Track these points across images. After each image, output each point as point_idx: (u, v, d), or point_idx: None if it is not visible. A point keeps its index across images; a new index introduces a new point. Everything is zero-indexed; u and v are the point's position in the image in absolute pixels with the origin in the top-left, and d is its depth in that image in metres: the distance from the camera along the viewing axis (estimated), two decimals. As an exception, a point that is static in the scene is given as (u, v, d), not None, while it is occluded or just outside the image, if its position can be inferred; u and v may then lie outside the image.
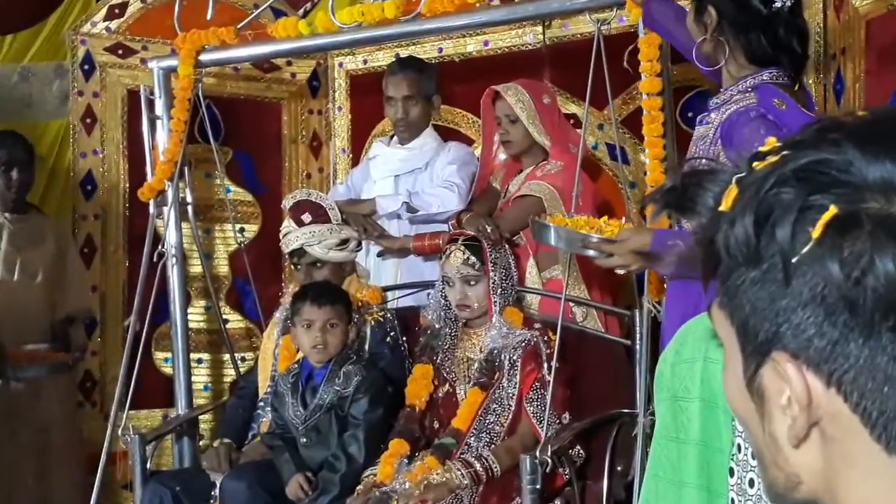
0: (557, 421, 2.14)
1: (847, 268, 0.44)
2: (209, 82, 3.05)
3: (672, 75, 2.36)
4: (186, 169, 2.89)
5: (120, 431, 2.50)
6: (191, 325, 3.00)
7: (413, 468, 2.11)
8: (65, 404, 2.95)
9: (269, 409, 2.41)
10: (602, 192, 2.69)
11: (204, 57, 2.79)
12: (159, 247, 2.77)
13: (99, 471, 2.54)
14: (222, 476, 2.29)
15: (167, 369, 3.15)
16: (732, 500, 1.23)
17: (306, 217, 2.46)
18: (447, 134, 3.02)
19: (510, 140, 2.58)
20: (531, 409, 2.15)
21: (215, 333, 3.22)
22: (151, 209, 2.83)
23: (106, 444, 2.59)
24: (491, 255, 2.27)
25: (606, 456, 2.14)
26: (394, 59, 2.98)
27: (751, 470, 1.22)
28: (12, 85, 3.21)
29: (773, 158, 0.48)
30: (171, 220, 2.82)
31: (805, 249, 0.45)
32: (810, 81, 2.49)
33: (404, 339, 2.43)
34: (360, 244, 2.57)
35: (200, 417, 2.90)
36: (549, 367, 2.13)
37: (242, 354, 3.21)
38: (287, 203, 2.55)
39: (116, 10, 3.23)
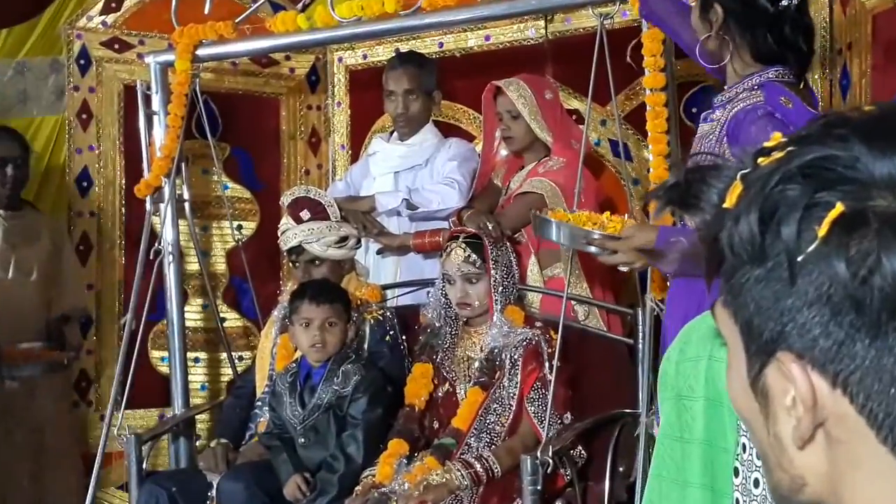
0: (559, 421, 2.13)
1: (853, 267, 0.44)
2: (207, 77, 3.03)
3: (676, 70, 2.35)
4: (183, 165, 2.88)
5: (116, 431, 2.49)
6: (188, 323, 2.99)
7: (412, 469, 2.09)
8: (60, 404, 2.93)
9: (266, 408, 2.39)
10: (605, 189, 2.67)
11: (201, 51, 2.78)
12: (156, 244, 2.75)
13: (94, 471, 2.53)
14: (219, 477, 2.28)
15: (163, 368, 3.13)
16: (737, 499, 1.21)
17: (305, 214, 2.44)
18: (448, 130, 3.01)
19: (512, 136, 2.56)
20: (532, 408, 2.14)
21: (212, 332, 3.20)
22: (148, 206, 2.82)
23: (101, 444, 2.58)
24: (492, 253, 2.26)
25: (608, 456, 2.14)
26: (394, 54, 2.96)
27: (755, 470, 1.20)
28: (7, 80, 3.18)
29: (778, 154, 0.48)
30: (168, 217, 2.80)
31: (811, 248, 0.45)
32: (816, 76, 2.47)
33: (404, 337, 2.41)
34: (359, 242, 2.55)
35: (197, 417, 2.89)
36: (551, 367, 2.11)
37: (240, 353, 3.19)
38: (285, 200, 2.53)
39: (113, 5, 3.21)
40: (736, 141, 1.63)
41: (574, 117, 2.77)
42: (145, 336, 2.87)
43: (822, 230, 0.44)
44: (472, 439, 2.16)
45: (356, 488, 2.12)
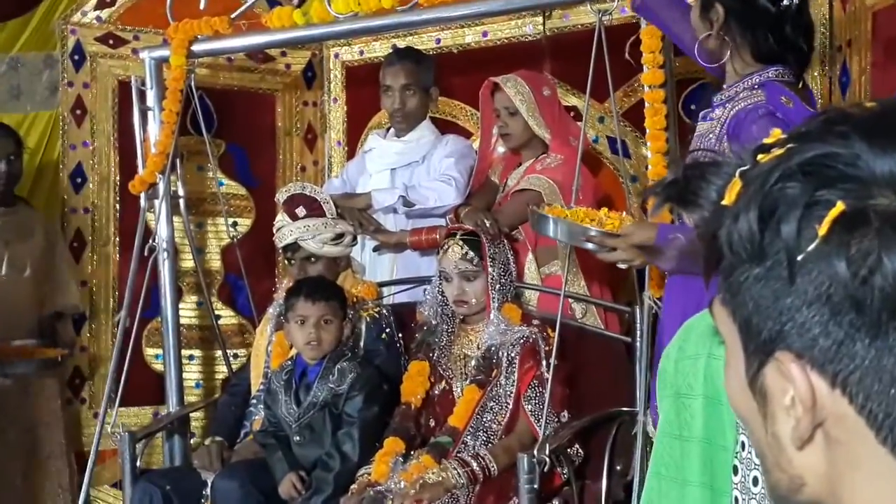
0: (556, 419, 2.12)
1: (854, 266, 0.43)
2: (202, 73, 3.02)
3: (675, 67, 2.35)
4: (178, 161, 2.86)
5: (109, 429, 2.48)
6: (182, 320, 2.98)
7: (408, 467, 2.08)
8: (53, 401, 2.91)
9: (261, 406, 2.38)
10: (603, 187, 2.66)
11: (197, 47, 2.76)
12: (150, 241, 2.74)
13: (88, 469, 2.51)
14: (214, 475, 2.26)
15: (158, 366, 3.12)
16: (736, 498, 1.21)
17: (301, 211, 2.43)
18: (445, 126, 3.00)
19: (509, 133, 2.55)
20: (529, 407, 2.13)
21: (207, 329, 3.19)
22: (142, 202, 2.81)
23: (95, 442, 2.57)
24: (489, 251, 2.25)
25: (605, 455, 2.13)
26: (391, 50, 2.95)
27: (755, 468, 1.19)
28: (0, 75, 3.16)
29: (778, 151, 0.47)
30: (163, 213, 2.79)
31: (811, 247, 0.45)
32: (815, 74, 2.46)
33: (400, 335, 2.40)
34: (355, 239, 2.54)
35: (192, 415, 2.88)
36: (548, 365, 2.10)
37: (235, 351, 3.18)
38: (281, 196, 2.52)
39: (107, 0, 3.19)
40: (737, 140, 1.63)
41: (572, 114, 2.75)
42: (139, 333, 2.87)
43: (823, 229, 0.44)
44: (469, 438, 2.15)
45: (352, 487, 2.11)
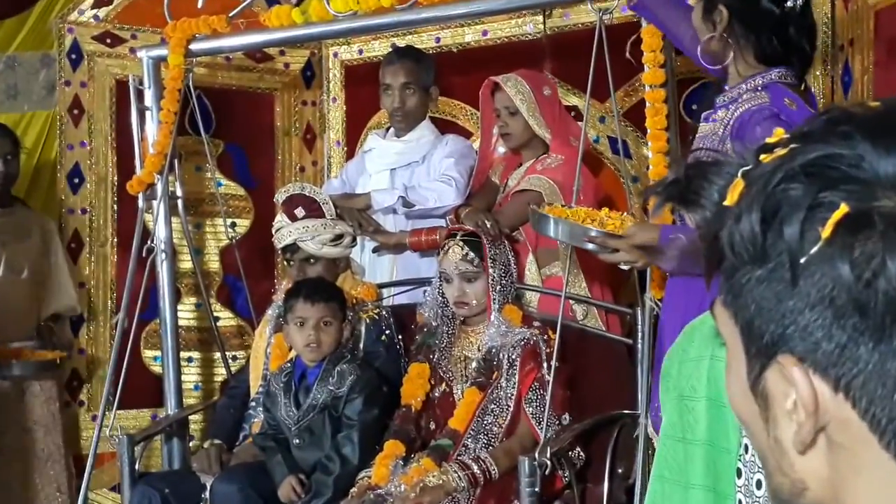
0: (557, 422, 2.11)
1: (858, 269, 0.43)
2: (200, 72, 3.01)
3: (676, 66, 2.33)
4: (176, 162, 2.85)
5: (108, 431, 2.48)
6: (181, 322, 2.96)
7: (409, 470, 2.07)
8: (51, 404, 2.89)
9: (260, 409, 2.37)
10: (604, 187, 2.65)
11: (195, 46, 2.75)
12: (148, 242, 2.73)
13: (86, 472, 2.50)
14: (213, 478, 2.26)
15: (156, 368, 3.10)
16: (740, 501, 1.21)
17: (300, 211, 2.42)
18: (445, 126, 2.99)
19: (509, 133, 2.53)
20: (530, 409, 2.12)
21: (206, 331, 3.18)
22: (140, 203, 2.79)
23: (93, 445, 2.56)
24: (490, 252, 2.23)
25: (607, 458, 2.12)
26: (390, 49, 2.93)
27: (758, 471, 1.19)
28: (-3, 74, 3.14)
29: (780, 151, 0.47)
30: (161, 214, 2.78)
31: (814, 249, 0.44)
32: (817, 73, 2.45)
33: (400, 337, 2.39)
34: (354, 240, 2.53)
35: (190, 418, 2.86)
36: (549, 367, 2.09)
37: (234, 353, 3.17)
38: (280, 197, 2.51)
39: (104, -2, 3.18)
40: (741, 142, 1.62)
41: (573, 114, 2.74)
42: (138, 335, 2.86)
43: (826, 231, 0.44)
44: (470, 440, 2.14)
45: (351, 490, 2.10)
